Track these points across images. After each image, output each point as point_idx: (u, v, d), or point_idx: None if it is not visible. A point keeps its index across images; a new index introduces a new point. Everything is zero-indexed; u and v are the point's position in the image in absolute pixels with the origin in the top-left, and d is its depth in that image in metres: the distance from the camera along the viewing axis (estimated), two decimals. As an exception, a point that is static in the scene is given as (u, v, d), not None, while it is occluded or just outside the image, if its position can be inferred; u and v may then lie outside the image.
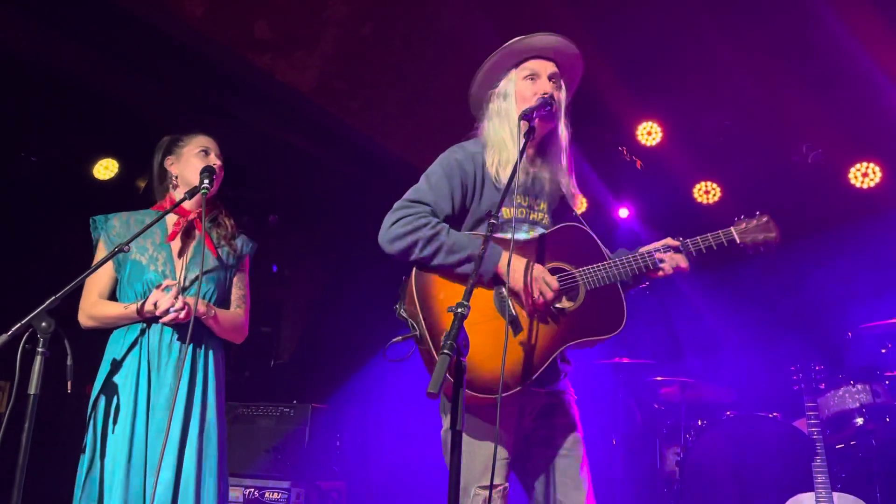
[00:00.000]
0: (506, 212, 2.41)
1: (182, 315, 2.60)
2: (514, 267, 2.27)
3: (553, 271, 2.35)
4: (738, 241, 2.49)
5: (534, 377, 2.26)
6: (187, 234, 2.80)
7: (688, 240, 2.47)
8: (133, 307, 2.66)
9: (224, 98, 5.06)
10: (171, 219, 2.83)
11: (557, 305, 2.33)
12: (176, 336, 2.69)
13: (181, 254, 2.79)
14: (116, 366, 2.66)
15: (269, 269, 6.90)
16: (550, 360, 2.29)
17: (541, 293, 2.26)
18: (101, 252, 2.78)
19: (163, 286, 2.65)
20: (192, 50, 4.57)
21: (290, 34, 4.69)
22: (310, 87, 4.97)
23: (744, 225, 2.51)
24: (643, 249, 2.45)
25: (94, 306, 2.72)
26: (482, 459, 2.23)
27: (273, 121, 5.42)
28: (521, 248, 2.36)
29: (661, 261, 2.43)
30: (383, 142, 5.63)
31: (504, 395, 2.15)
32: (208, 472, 2.66)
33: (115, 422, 2.59)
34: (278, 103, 5.14)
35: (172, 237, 2.78)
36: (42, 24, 4.35)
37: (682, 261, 2.44)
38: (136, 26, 4.34)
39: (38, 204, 5.30)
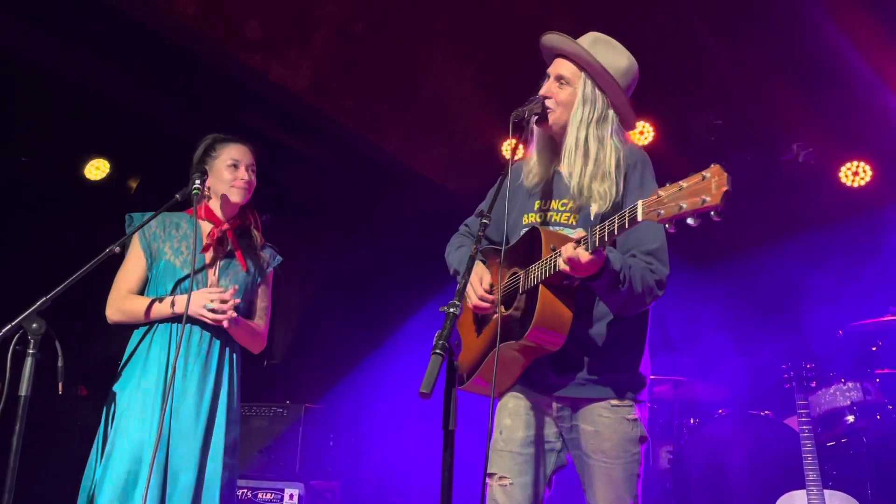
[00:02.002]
0: (525, 218, 2.45)
1: (228, 318, 2.66)
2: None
3: (514, 275, 2.34)
4: (640, 218, 1.87)
5: (474, 376, 2.38)
6: (220, 243, 2.86)
7: (596, 226, 2.01)
8: (168, 300, 2.69)
9: (216, 97, 5.05)
10: (206, 227, 2.88)
11: (504, 311, 2.31)
12: (202, 338, 2.72)
13: (213, 262, 2.84)
14: (139, 363, 2.68)
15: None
16: (485, 362, 2.32)
17: (477, 297, 2.33)
18: (134, 248, 2.81)
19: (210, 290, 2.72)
20: (184, 49, 4.55)
21: (283, 33, 4.68)
22: (302, 86, 4.97)
23: (663, 193, 1.84)
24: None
25: (124, 300, 2.75)
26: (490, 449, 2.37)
27: (266, 120, 5.40)
28: (506, 253, 2.39)
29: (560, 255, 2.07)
30: (377, 140, 5.63)
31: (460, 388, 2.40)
32: (232, 473, 2.73)
33: (133, 418, 2.60)
34: (271, 102, 5.12)
35: (206, 249, 2.82)
36: (31, 23, 4.33)
37: (569, 252, 2.02)
38: (127, 25, 4.32)
39: (28, 204, 5.27)
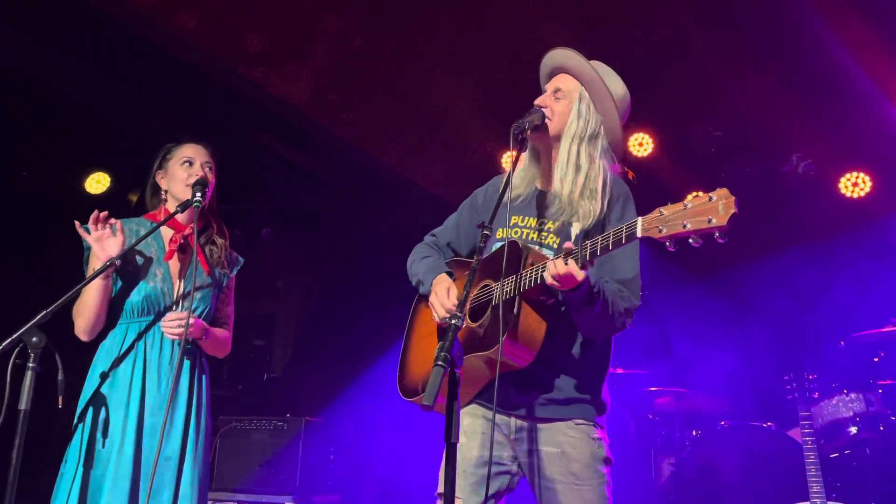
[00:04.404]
0: (500, 232, 2.41)
1: (189, 332, 2.58)
2: (434, 287, 2.37)
3: (484, 288, 2.30)
4: (639, 234, 1.87)
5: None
6: (183, 250, 2.77)
7: (587, 241, 2.00)
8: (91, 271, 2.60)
9: (216, 111, 5.06)
10: (166, 233, 2.81)
11: (471, 323, 2.26)
12: (171, 351, 2.67)
13: (178, 270, 2.76)
14: (107, 377, 2.62)
15: (263, 281, 6.88)
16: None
17: (444, 309, 2.29)
18: (93, 261, 2.73)
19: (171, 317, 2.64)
20: (185, 63, 4.56)
21: (282, 47, 4.70)
22: (302, 99, 4.98)
23: (666, 212, 1.84)
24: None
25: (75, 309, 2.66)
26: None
27: (265, 133, 5.42)
28: (479, 266, 2.33)
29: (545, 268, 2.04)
30: (376, 154, 5.64)
31: (410, 399, 2.39)
32: (204, 487, 2.66)
33: (104, 434, 2.56)
34: (271, 116, 5.14)
35: (170, 256, 2.75)
36: (32, 38, 4.34)
37: (559, 266, 1.99)
38: (128, 40, 4.34)
39: (29, 218, 5.27)
